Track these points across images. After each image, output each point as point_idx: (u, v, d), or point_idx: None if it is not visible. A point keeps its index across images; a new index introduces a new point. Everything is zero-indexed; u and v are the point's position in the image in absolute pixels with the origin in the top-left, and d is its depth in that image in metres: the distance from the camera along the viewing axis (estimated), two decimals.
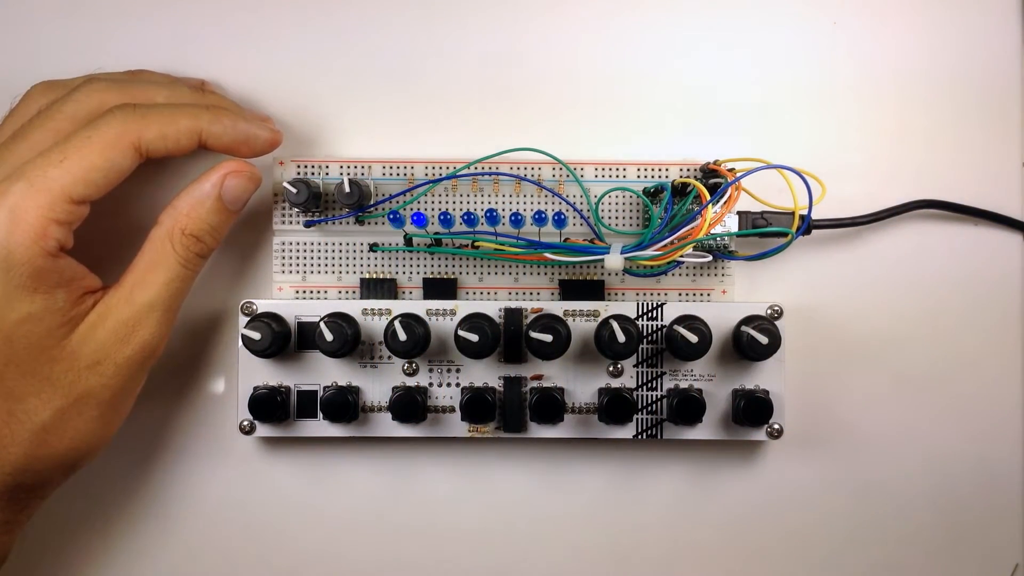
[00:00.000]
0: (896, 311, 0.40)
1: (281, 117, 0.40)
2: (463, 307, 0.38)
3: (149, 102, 0.35)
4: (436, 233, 0.38)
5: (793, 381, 0.39)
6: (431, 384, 0.38)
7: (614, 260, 0.36)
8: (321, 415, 0.38)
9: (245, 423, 0.38)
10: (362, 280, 0.39)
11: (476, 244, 0.38)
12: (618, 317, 0.37)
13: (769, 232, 0.38)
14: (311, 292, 0.39)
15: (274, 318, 0.37)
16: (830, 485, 0.40)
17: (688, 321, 0.37)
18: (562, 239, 0.38)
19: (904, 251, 0.40)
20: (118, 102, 0.34)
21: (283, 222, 0.39)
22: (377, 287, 0.39)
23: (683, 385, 0.38)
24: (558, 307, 0.38)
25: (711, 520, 0.40)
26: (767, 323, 0.37)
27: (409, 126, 0.40)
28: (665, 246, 0.36)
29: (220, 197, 0.35)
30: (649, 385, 0.38)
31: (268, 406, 0.37)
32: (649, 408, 0.38)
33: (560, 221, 0.37)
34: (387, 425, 0.38)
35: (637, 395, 0.38)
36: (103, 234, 0.38)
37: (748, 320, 0.37)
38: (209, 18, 0.40)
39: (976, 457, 0.40)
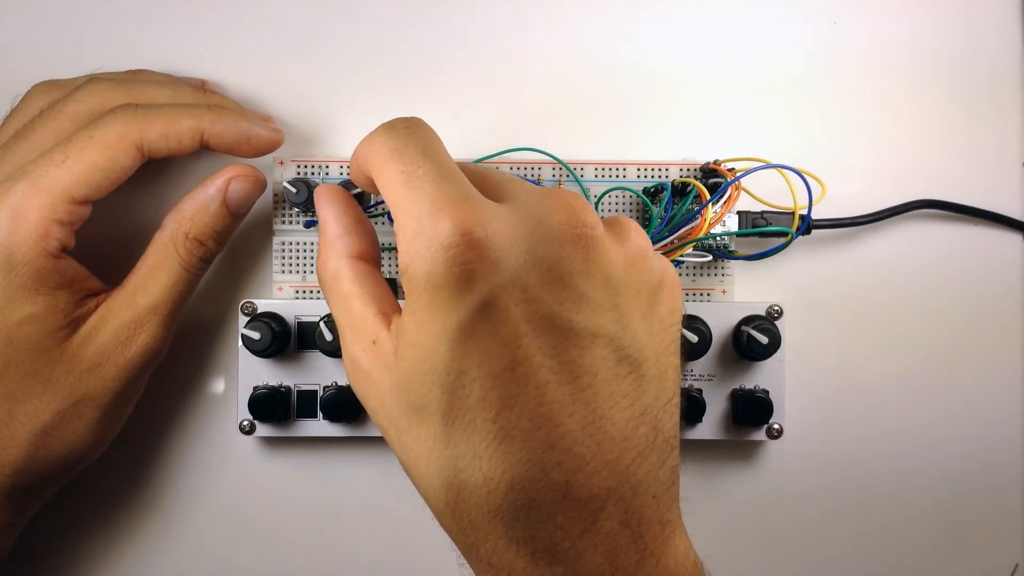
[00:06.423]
0: (896, 311, 0.40)
1: (281, 117, 0.40)
2: None
3: (151, 102, 0.35)
4: None
5: (793, 381, 0.39)
6: None
7: None
8: (321, 415, 0.38)
9: (245, 423, 0.38)
10: None
11: None
12: None
13: (769, 232, 0.38)
14: (311, 292, 0.39)
15: (274, 318, 0.37)
16: (830, 485, 0.40)
17: (688, 321, 0.37)
18: None
19: (904, 251, 0.40)
20: (120, 102, 0.34)
21: (283, 222, 0.39)
22: None
23: (683, 385, 0.38)
24: None
25: (711, 520, 0.40)
26: (767, 323, 0.37)
27: None
28: (665, 246, 0.36)
29: (225, 201, 0.35)
30: None
31: (268, 406, 0.37)
32: None
33: None
34: None
35: None
36: (106, 237, 0.38)
37: (748, 320, 0.37)
38: (209, 18, 0.40)
39: (976, 457, 0.40)
